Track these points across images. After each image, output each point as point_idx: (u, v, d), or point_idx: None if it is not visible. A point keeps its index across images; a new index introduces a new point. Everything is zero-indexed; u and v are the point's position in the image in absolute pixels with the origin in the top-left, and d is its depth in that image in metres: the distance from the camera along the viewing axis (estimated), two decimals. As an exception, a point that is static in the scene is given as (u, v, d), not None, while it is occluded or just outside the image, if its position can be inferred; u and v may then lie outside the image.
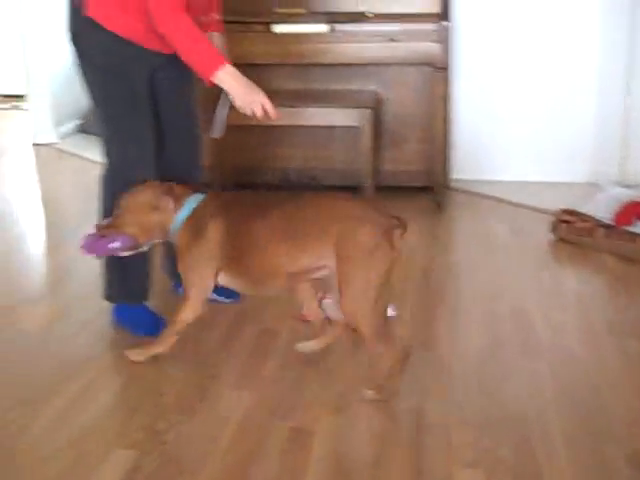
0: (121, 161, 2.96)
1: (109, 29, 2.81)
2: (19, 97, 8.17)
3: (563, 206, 4.13)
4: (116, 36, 2.82)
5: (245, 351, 2.96)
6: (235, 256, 2.68)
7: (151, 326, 3.06)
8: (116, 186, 2.92)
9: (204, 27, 2.99)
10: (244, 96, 2.80)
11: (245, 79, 2.81)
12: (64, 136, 6.63)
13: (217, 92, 2.92)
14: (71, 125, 6.79)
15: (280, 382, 2.74)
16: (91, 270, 3.50)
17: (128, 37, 2.82)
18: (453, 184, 4.91)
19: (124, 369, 2.86)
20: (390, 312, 3.11)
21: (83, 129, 6.78)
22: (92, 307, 3.36)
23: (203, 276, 2.74)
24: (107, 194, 2.99)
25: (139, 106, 2.93)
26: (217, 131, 2.98)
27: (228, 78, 2.78)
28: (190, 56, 2.78)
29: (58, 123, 6.63)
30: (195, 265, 2.74)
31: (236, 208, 2.75)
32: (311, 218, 2.57)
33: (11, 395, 2.69)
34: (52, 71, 6.58)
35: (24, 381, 2.79)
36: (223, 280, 2.77)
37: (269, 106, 2.83)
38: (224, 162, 4.67)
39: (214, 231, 2.70)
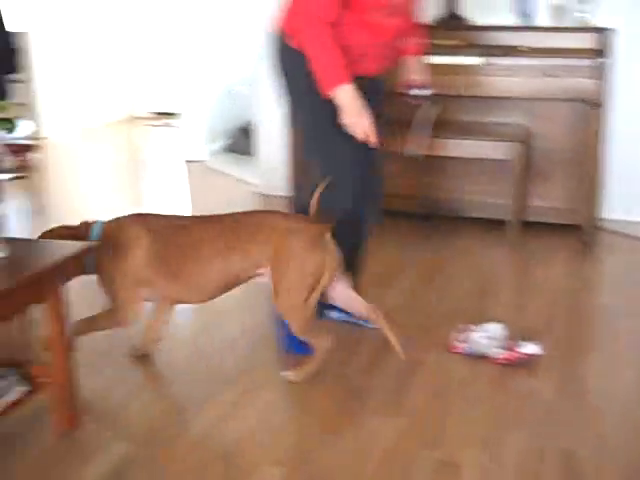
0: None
1: None
2: (170, 115, 8.53)
3: None
4: None
5: (391, 378, 2.97)
6: (167, 265, 2.83)
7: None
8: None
9: (402, 51, 3.13)
10: (351, 116, 2.90)
11: (359, 101, 2.89)
12: (213, 154, 6.85)
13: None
14: (220, 144, 7.01)
15: (426, 411, 2.74)
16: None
17: None
18: (602, 224, 4.80)
19: (273, 386, 2.93)
20: (536, 350, 3.08)
21: (231, 148, 6.99)
22: (244, 321, 3.48)
23: (128, 288, 2.85)
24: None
25: (343, 130, 2.99)
26: (414, 150, 3.01)
27: (344, 96, 2.88)
28: (317, 66, 2.88)
29: (208, 141, 6.87)
30: (118, 278, 2.84)
31: (156, 222, 2.91)
32: (248, 230, 2.84)
33: (165, 405, 2.81)
34: (205, 92, 6.83)
35: (176, 391, 2.90)
36: (151, 293, 2.90)
37: (371, 132, 2.92)
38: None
39: (136, 244, 2.82)
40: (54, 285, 2.43)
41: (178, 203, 5.60)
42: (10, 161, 5.79)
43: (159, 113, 8.89)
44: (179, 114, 7.32)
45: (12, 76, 5.30)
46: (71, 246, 2.53)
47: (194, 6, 6.62)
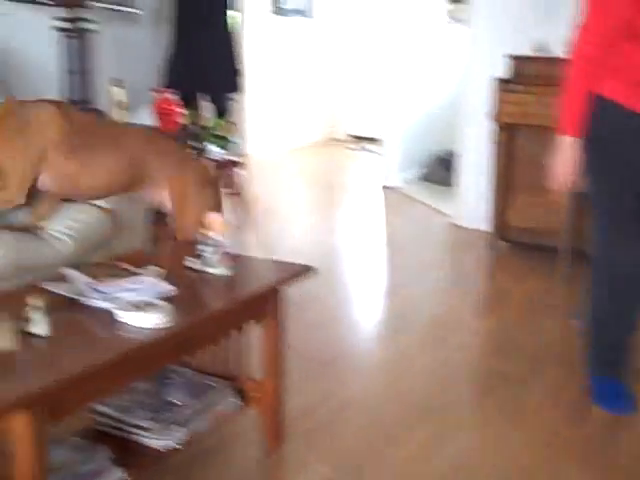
0: (607, 242, 2.93)
1: (598, 93, 2.79)
2: (369, 139, 8.66)
3: None
4: (605, 100, 2.78)
5: (596, 430, 2.85)
6: (76, 150, 2.88)
7: (616, 401, 3.03)
8: (603, 269, 2.94)
9: None
10: (553, 163, 2.86)
11: (569, 154, 2.80)
12: (409, 181, 6.88)
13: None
14: (415, 172, 7.03)
15: (632, 472, 2.61)
16: (426, 316, 3.73)
17: (612, 97, 2.78)
18: None
19: (470, 424, 2.89)
20: None
21: (427, 177, 6.99)
22: (429, 352, 3.47)
23: (25, 166, 2.83)
24: (596, 278, 2.99)
25: (632, 182, 2.84)
26: None
27: (560, 145, 2.83)
28: (561, 103, 2.81)
29: (404, 168, 6.90)
30: (16, 154, 2.81)
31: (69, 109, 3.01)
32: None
33: (363, 432, 2.83)
34: (404, 118, 6.88)
35: (374, 417, 2.92)
36: (44, 181, 2.89)
37: (551, 183, 2.87)
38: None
39: (47, 124, 2.83)
40: (272, 304, 2.50)
41: (372, 228, 5.65)
42: (219, 176, 6.03)
43: (358, 137, 9.03)
44: (378, 139, 7.40)
45: (232, 95, 5.60)
46: (291, 267, 2.61)
47: (398, 33, 6.70)
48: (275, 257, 2.84)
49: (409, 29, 6.71)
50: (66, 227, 3.19)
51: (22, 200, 2.91)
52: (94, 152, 2.94)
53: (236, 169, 6.29)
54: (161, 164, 3.02)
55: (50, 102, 2.96)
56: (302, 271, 2.58)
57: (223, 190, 3.60)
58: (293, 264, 2.64)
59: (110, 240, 3.38)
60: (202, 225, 2.81)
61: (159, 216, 4.04)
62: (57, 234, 3.16)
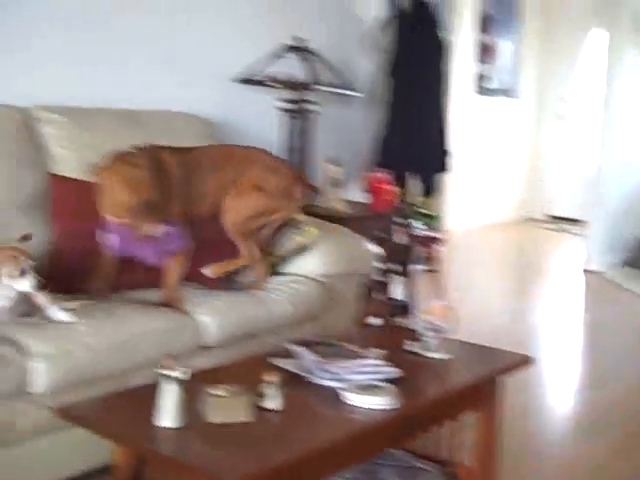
0: None
1: None
2: (568, 220, 8.49)
3: None
4: None
5: None
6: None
7: None
8: None
9: None
10: None
11: None
12: (611, 266, 6.66)
13: None
14: (619, 256, 6.79)
15: None
16: (633, 416, 3.57)
17: None
18: None
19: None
20: None
21: (629, 262, 6.74)
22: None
23: None
24: None
25: None
26: None
27: None
28: None
29: (607, 252, 6.69)
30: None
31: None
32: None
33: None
34: (609, 200, 6.69)
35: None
36: None
37: None
38: None
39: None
40: (490, 394, 2.50)
41: (572, 314, 5.51)
42: (421, 252, 6.08)
43: (557, 217, 8.88)
44: (578, 220, 7.24)
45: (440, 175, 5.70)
46: (509, 356, 2.60)
47: (604, 113, 6.58)
48: (472, 340, 2.82)
49: (616, 108, 6.57)
50: (285, 291, 3.33)
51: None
52: (203, 179, 3.31)
53: (436, 246, 6.34)
54: (244, 171, 3.33)
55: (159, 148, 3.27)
56: (522, 361, 2.58)
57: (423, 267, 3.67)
58: (511, 353, 2.63)
59: (322, 313, 3.49)
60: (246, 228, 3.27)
61: (370, 294, 4.15)
62: (276, 296, 3.30)
